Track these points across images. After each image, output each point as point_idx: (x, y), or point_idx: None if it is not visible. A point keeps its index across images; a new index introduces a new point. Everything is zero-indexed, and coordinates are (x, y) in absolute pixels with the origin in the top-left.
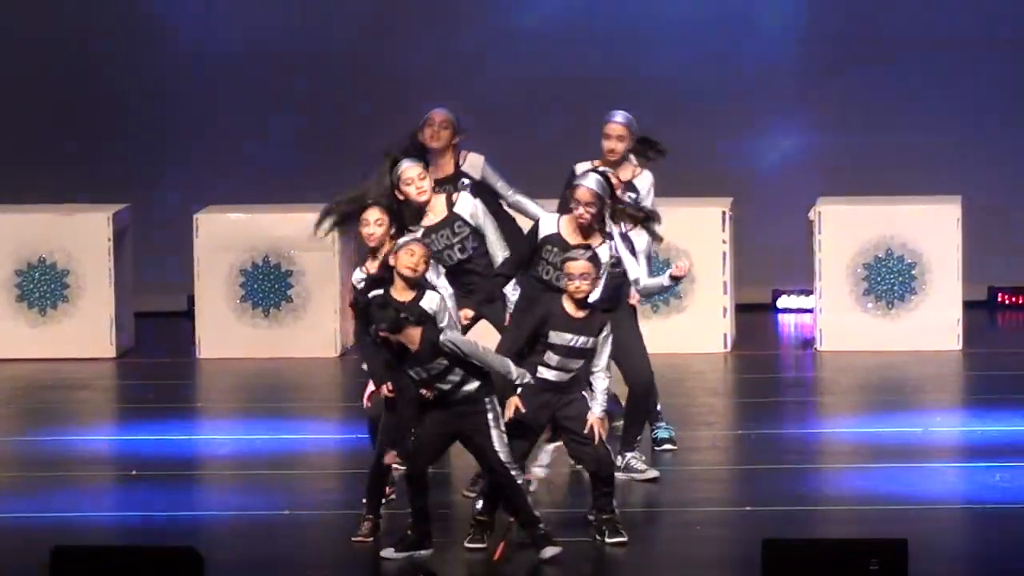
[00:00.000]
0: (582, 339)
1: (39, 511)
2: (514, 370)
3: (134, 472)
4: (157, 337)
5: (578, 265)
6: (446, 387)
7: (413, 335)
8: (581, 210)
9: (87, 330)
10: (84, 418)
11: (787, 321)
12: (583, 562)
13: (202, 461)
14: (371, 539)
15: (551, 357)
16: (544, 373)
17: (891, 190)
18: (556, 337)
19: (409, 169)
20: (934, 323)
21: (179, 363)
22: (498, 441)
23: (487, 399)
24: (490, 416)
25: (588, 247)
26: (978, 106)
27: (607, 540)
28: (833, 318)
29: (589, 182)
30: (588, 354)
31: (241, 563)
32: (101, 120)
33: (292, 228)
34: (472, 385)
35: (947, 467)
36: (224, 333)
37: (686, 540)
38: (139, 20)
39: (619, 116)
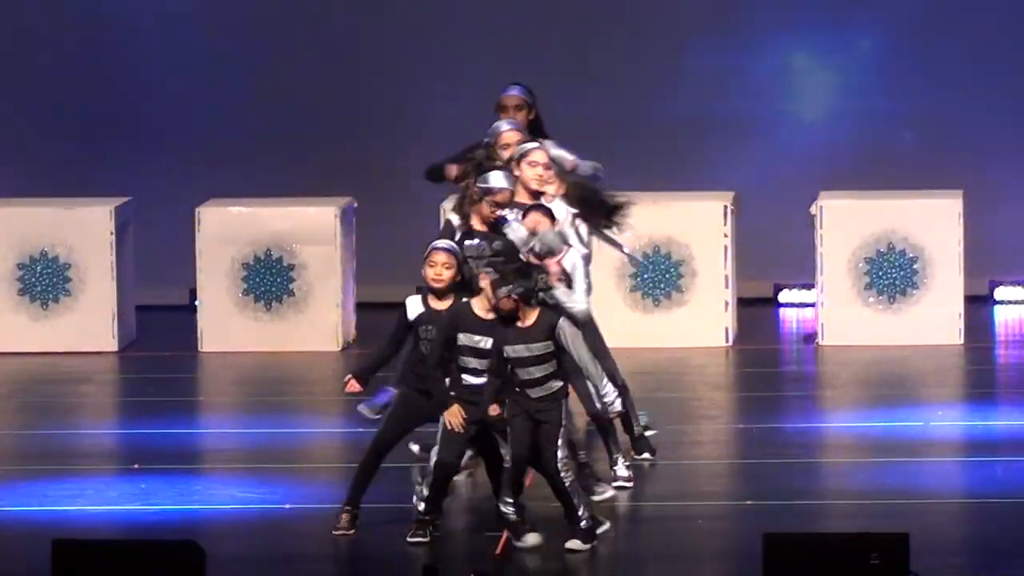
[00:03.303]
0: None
1: (40, 504)
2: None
3: (136, 466)
4: (159, 331)
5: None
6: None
7: (531, 312)
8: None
9: (89, 324)
10: (86, 412)
11: (788, 315)
12: (578, 555)
13: (204, 455)
14: (351, 531)
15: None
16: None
17: (893, 184)
18: (511, 351)
19: (536, 153)
20: (935, 317)
21: (181, 357)
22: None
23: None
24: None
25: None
26: (979, 101)
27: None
28: (834, 312)
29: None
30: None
31: (242, 557)
32: (103, 114)
33: (294, 222)
34: (557, 383)
35: (948, 461)
36: (226, 327)
37: (688, 533)
38: (141, 16)
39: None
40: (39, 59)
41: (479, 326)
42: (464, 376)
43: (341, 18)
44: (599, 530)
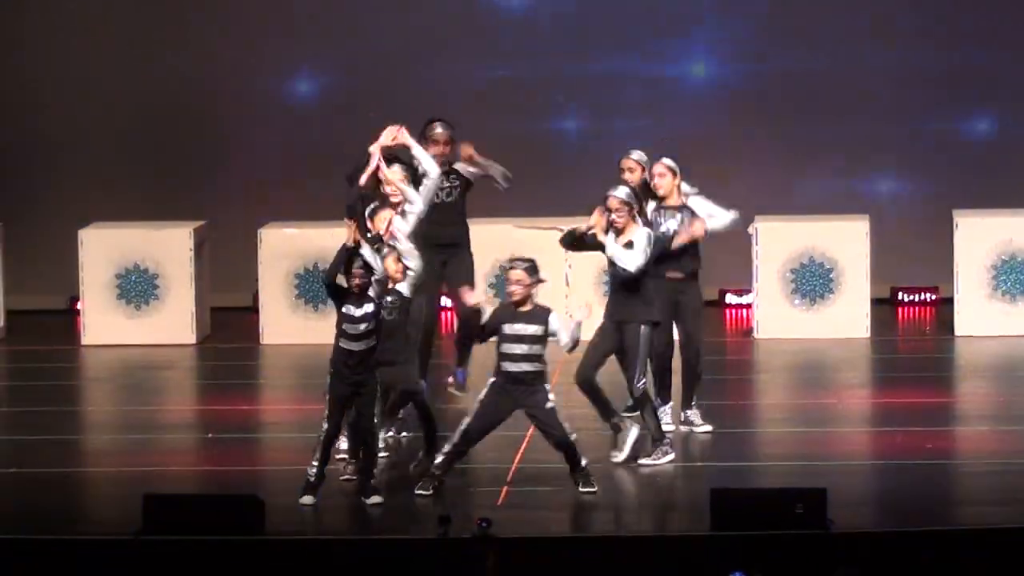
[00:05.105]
0: (532, 328)
1: (134, 465)
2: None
3: (210, 435)
4: (229, 327)
5: (514, 274)
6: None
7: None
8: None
9: (173, 322)
10: (170, 392)
11: (731, 314)
12: (564, 506)
13: (264, 426)
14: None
15: (506, 348)
16: (505, 366)
17: (814, 209)
18: (507, 328)
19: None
20: (848, 316)
21: (246, 348)
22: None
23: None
24: (379, 387)
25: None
26: (883, 138)
27: (581, 489)
28: (767, 312)
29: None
30: (540, 341)
31: (295, 508)
32: (187, 155)
33: (336, 240)
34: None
35: (859, 431)
36: (283, 324)
37: (649, 489)
38: (215, 70)
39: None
40: (135, 115)
41: None
42: None
43: (391, 46)
44: (371, 499)
